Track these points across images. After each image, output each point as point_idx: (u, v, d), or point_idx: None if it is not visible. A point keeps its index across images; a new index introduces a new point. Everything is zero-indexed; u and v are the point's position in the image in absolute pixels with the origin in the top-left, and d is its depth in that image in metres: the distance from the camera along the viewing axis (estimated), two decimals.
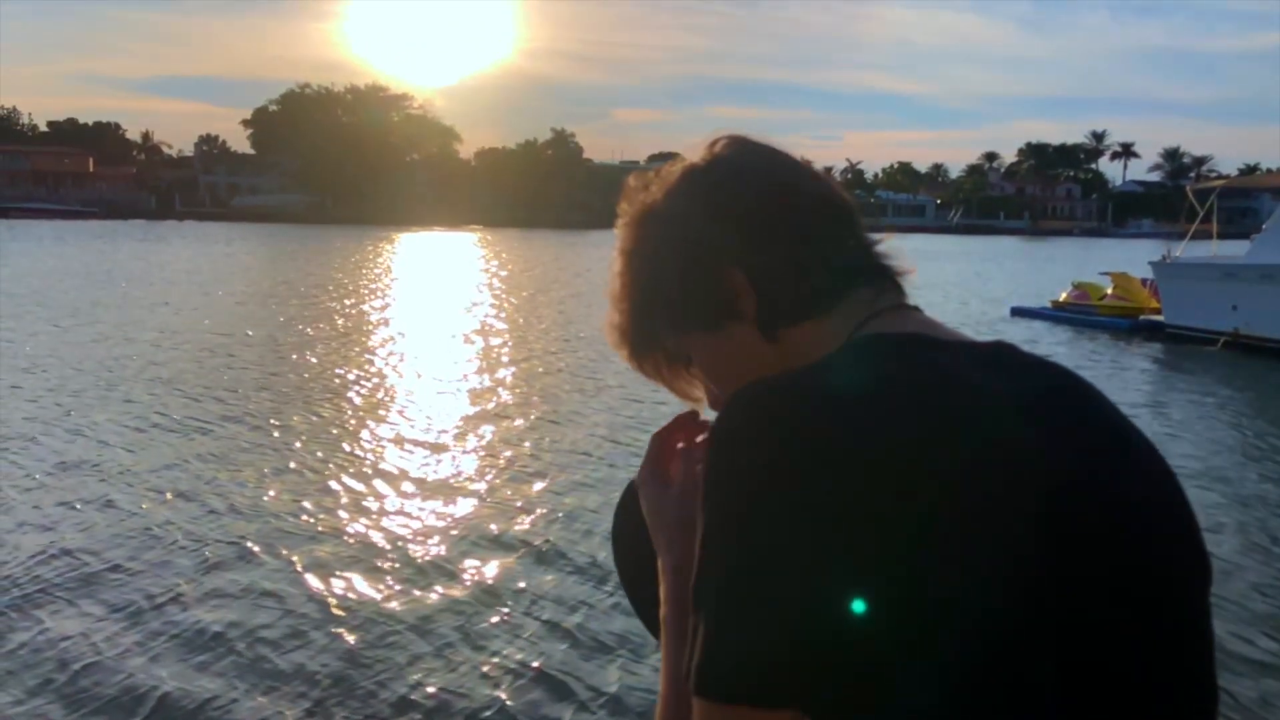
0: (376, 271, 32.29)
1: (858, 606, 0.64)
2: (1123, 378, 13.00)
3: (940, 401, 0.71)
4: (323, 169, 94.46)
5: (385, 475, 7.47)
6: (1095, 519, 0.70)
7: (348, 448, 8.29)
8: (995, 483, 0.68)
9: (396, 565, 5.57)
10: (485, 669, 4.35)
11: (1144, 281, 19.39)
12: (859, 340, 0.81)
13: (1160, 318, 17.84)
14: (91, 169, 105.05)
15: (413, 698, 4.09)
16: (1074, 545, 0.68)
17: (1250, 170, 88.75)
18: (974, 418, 0.71)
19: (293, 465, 7.67)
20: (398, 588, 5.25)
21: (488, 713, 4.01)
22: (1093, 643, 0.67)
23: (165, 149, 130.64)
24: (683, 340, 0.91)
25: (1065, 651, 0.66)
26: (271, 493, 6.92)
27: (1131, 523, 0.72)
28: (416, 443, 8.56)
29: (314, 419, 9.35)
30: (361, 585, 5.26)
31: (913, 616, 0.64)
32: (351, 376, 11.87)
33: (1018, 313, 20.80)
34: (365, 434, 8.84)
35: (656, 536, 0.91)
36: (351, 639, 4.60)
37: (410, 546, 5.89)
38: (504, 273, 32.95)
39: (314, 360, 13.04)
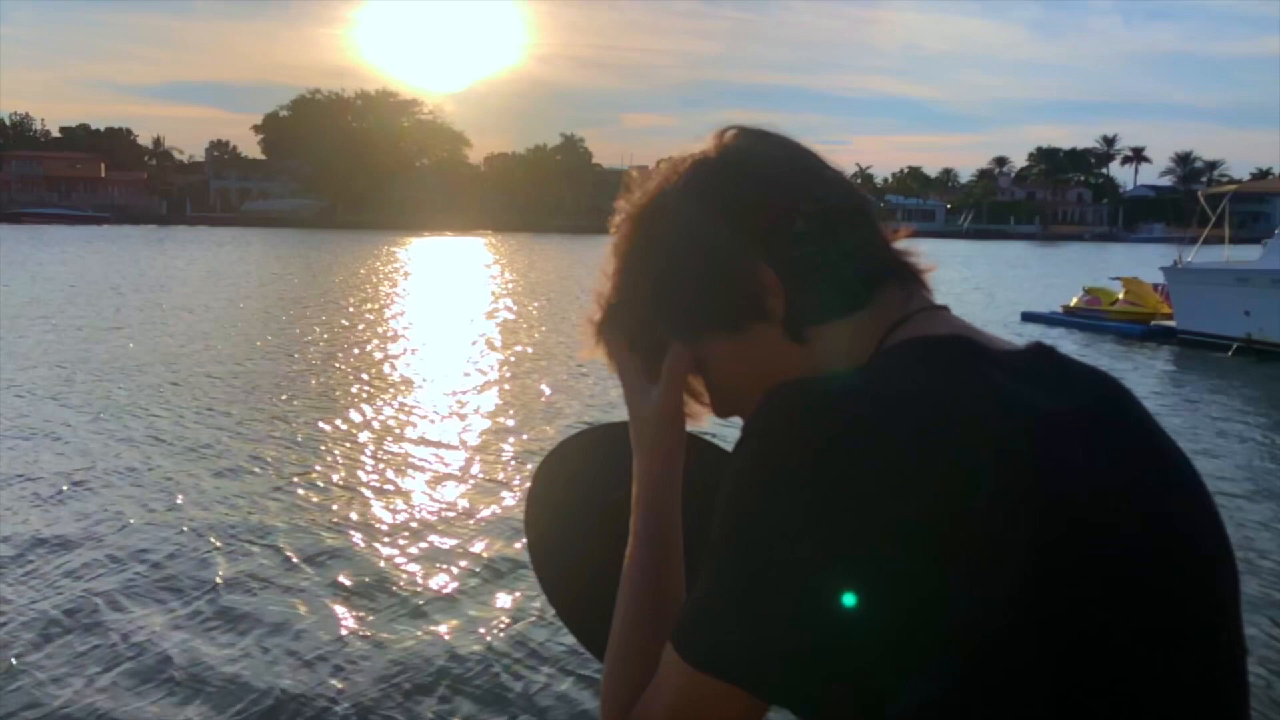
0: (392, 277, 32.42)
1: (867, 617, 0.64)
2: (1135, 384, 12.98)
3: (987, 418, 0.70)
4: (333, 174, 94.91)
5: (413, 478, 7.58)
6: (1135, 536, 0.69)
7: (376, 450, 8.40)
8: (1032, 504, 0.66)
9: (430, 566, 5.67)
10: (521, 668, 4.45)
11: (1155, 287, 19.35)
12: (906, 345, 0.78)
13: (1172, 323, 17.82)
14: (103, 174, 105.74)
15: (448, 695, 4.19)
16: (1113, 563, 0.68)
17: (1263, 175, 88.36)
18: (1018, 436, 0.69)
19: (319, 468, 7.77)
20: (432, 587, 5.35)
21: (525, 715, 4.10)
22: (1132, 655, 0.67)
23: (176, 154, 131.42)
24: (696, 344, 0.86)
25: (1105, 664, 0.65)
26: (301, 493, 7.03)
27: (1172, 538, 0.72)
28: (445, 446, 8.66)
29: (342, 423, 9.45)
30: (395, 584, 5.36)
31: (924, 633, 0.64)
32: (377, 380, 11.97)
33: (1028, 318, 20.80)
34: (393, 438, 8.93)
35: (633, 434, 0.91)
36: (388, 637, 4.70)
37: (438, 549, 5.99)
38: (518, 277, 33.05)
39: (339, 365, 13.14)
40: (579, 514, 1.04)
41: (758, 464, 0.70)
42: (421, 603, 5.19)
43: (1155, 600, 0.69)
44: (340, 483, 7.44)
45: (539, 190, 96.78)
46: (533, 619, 4.98)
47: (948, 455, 0.67)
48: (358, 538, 6.19)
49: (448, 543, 6.13)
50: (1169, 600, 0.70)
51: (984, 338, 0.80)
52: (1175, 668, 0.69)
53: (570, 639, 4.60)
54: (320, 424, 9.42)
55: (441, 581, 5.50)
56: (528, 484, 1.06)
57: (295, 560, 5.73)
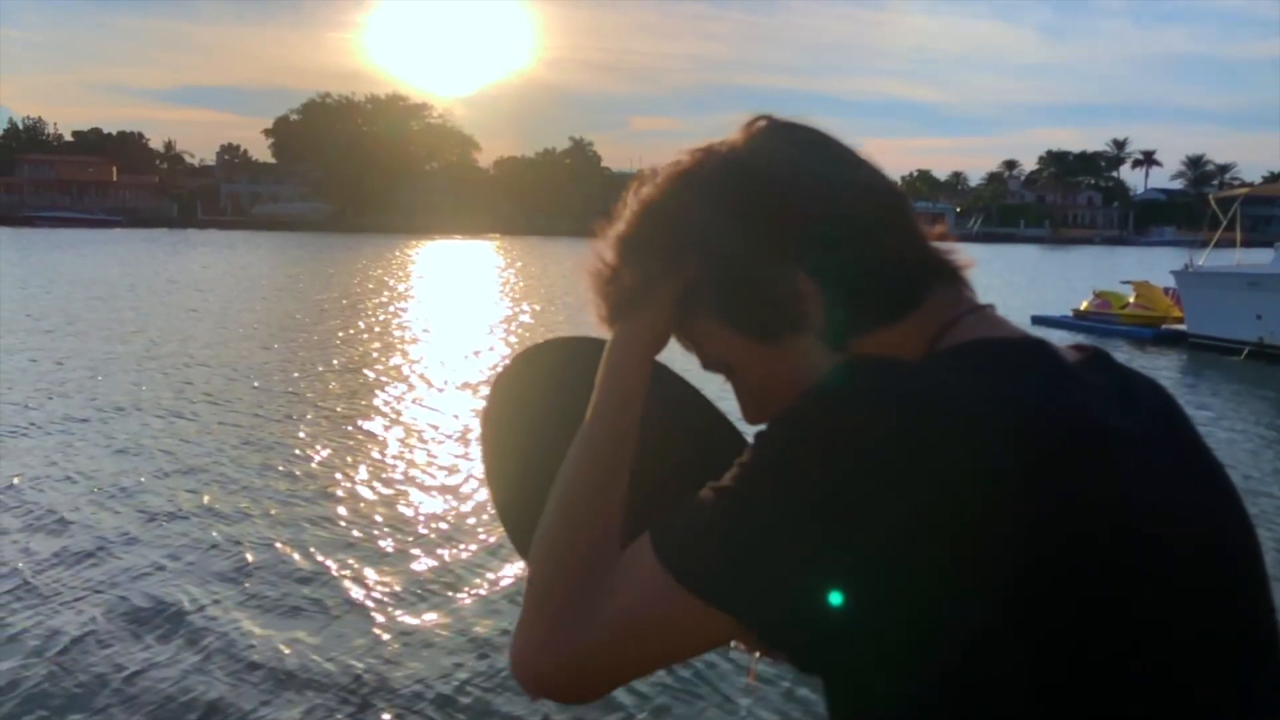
0: (408, 279, 32.53)
1: (861, 604, 0.65)
2: None
3: (1050, 430, 0.68)
4: (343, 178, 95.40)
5: (420, 482, 7.61)
6: (1174, 562, 0.69)
7: (385, 454, 8.44)
8: (1051, 519, 0.65)
9: (435, 569, 5.70)
10: None
11: (1166, 290, 19.29)
12: (968, 346, 0.75)
13: (1183, 327, 17.77)
14: (115, 178, 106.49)
15: (454, 697, 4.23)
16: (1142, 587, 0.67)
17: (1275, 178, 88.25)
18: (1077, 450, 0.68)
19: (329, 473, 7.82)
20: (435, 591, 5.38)
21: (559, 715, 4.13)
22: (1145, 680, 0.66)
23: (187, 158, 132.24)
24: (721, 350, 0.83)
25: (1157, 684, 0.65)
26: (308, 497, 7.07)
27: (1215, 567, 0.71)
28: (456, 449, 8.69)
29: (373, 424, 9.50)
30: (399, 590, 5.40)
31: (912, 631, 0.64)
32: (405, 381, 12.01)
33: (1039, 321, 20.70)
34: (423, 438, 8.97)
35: (622, 303, 0.86)
36: (393, 642, 4.74)
37: (448, 550, 6.03)
38: (532, 281, 33.09)
39: (364, 367, 13.19)
40: (539, 429, 0.96)
41: (809, 431, 0.69)
42: (454, 602, 5.22)
43: (1184, 628, 0.68)
44: (371, 482, 7.48)
45: (548, 194, 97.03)
46: None
47: (988, 463, 0.65)
48: (389, 535, 6.23)
49: (480, 542, 6.17)
50: (1201, 628, 0.68)
51: (1051, 343, 0.77)
52: (1196, 698, 0.68)
53: None
54: (349, 426, 9.47)
55: (474, 581, 5.53)
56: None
57: (329, 559, 5.79)
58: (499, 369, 1.02)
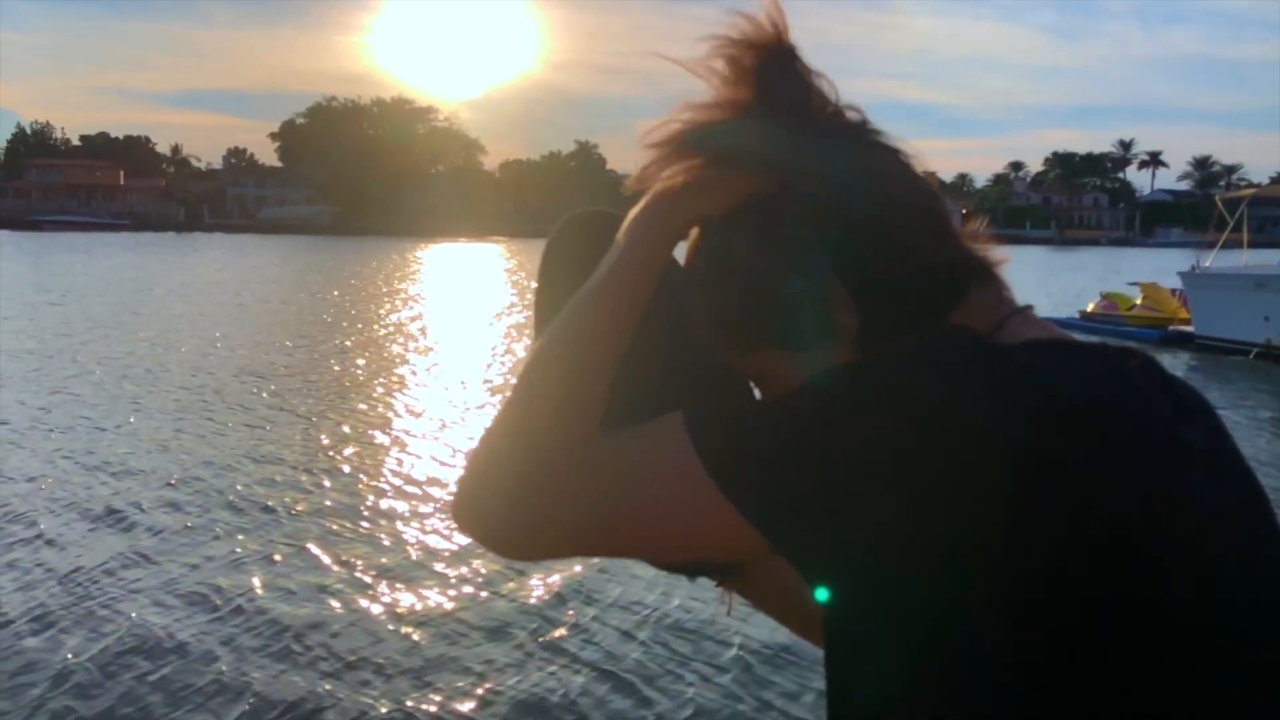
0: (418, 282, 32.63)
1: (879, 602, 0.65)
2: None
3: (1137, 443, 0.67)
4: (348, 181, 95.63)
5: (443, 484, 7.73)
6: (1225, 584, 0.67)
7: (405, 455, 8.54)
8: (1144, 531, 0.64)
9: (464, 570, 5.80)
10: (557, 671, 4.57)
11: (1173, 292, 19.33)
12: (1029, 347, 0.72)
13: (1190, 329, 17.77)
14: (122, 182, 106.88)
15: (488, 699, 4.32)
16: (1195, 600, 0.65)
17: None
18: (1165, 471, 0.67)
19: (355, 474, 7.93)
20: (467, 591, 5.48)
21: (571, 715, 4.21)
22: (1189, 700, 0.64)
23: (194, 162, 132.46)
24: (749, 359, 0.79)
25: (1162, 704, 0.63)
26: (333, 497, 7.17)
27: (1260, 599, 0.70)
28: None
29: (374, 431, 9.59)
30: (431, 589, 5.50)
31: (916, 624, 0.64)
32: (417, 385, 12.10)
33: None
34: (422, 442, 9.07)
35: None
36: (425, 641, 4.83)
37: (474, 552, 6.13)
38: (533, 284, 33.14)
39: (382, 368, 13.29)
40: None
41: (877, 397, 0.66)
42: (485, 603, 5.30)
43: (1196, 648, 0.65)
44: (370, 485, 7.56)
45: (553, 196, 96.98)
46: (570, 623, 5.12)
47: (1021, 461, 0.63)
48: (388, 536, 6.32)
49: (477, 545, 6.25)
50: (1214, 651, 0.66)
51: (1110, 346, 0.75)
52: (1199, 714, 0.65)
53: (596, 643, 4.75)
54: (372, 430, 9.55)
55: (476, 583, 5.60)
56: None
57: (328, 560, 5.88)
58: (554, 230, 1.00)
